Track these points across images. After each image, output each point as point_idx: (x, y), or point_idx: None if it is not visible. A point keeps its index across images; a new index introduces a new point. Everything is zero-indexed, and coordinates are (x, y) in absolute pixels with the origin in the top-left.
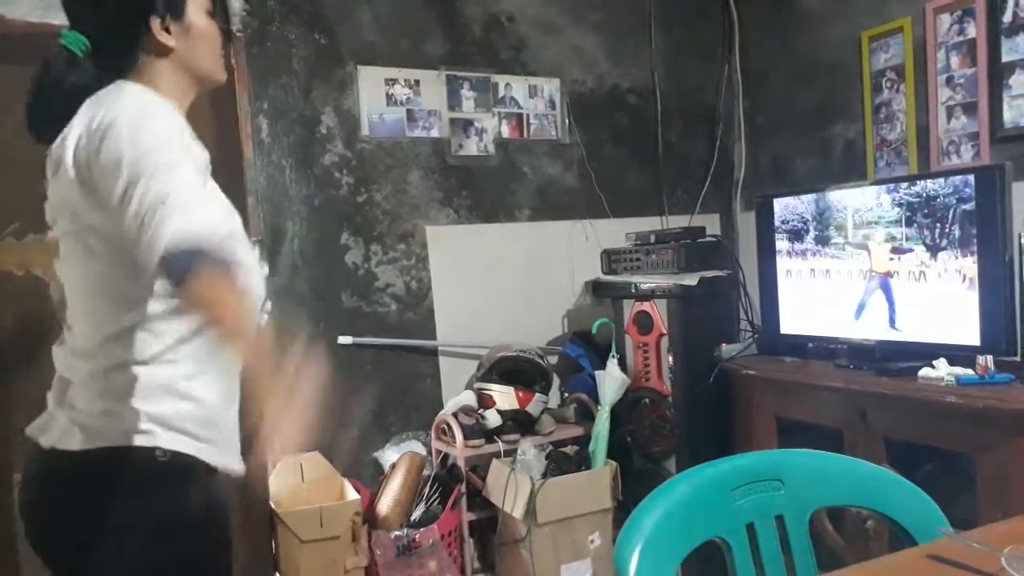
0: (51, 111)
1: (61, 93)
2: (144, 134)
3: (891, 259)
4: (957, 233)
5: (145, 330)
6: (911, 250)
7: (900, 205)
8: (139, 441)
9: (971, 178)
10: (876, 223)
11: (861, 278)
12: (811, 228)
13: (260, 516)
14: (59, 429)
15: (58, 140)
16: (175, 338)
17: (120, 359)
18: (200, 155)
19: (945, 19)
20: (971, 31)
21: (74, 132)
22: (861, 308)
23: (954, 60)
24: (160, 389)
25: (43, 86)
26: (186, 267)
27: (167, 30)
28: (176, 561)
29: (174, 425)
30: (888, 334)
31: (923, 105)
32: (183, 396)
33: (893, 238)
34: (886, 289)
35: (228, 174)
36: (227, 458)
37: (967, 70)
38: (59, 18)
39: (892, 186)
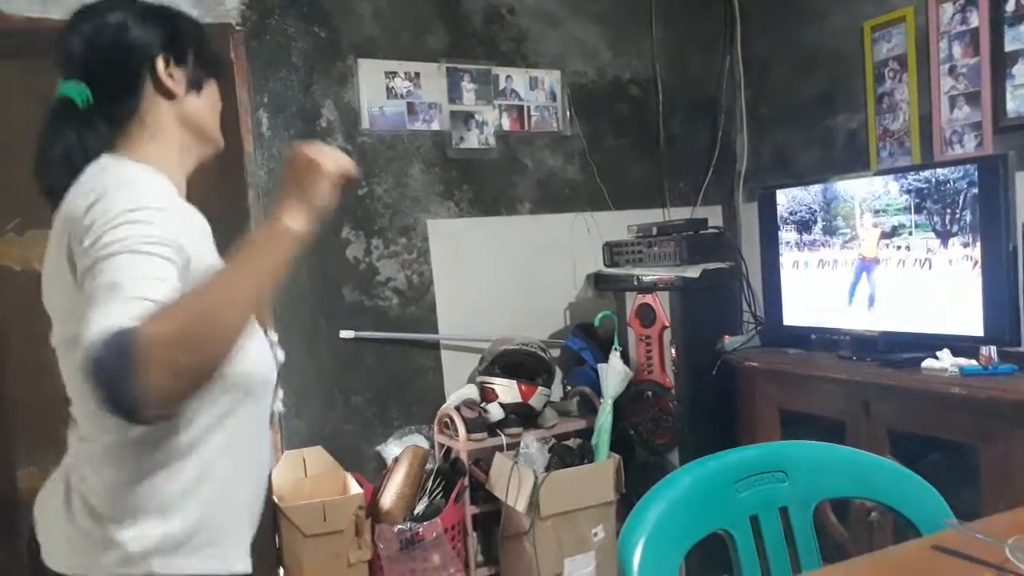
0: (55, 164)
1: (64, 140)
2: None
3: (882, 244)
4: (953, 224)
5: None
6: (900, 236)
7: (908, 192)
8: (132, 571)
9: (974, 168)
10: (884, 211)
11: (859, 265)
12: (817, 218)
13: (263, 511)
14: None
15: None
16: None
17: (95, 449)
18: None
19: (948, 8)
20: (974, 20)
21: (63, 217)
22: (852, 293)
23: (957, 49)
24: (149, 501)
25: (46, 137)
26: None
27: (171, 74)
28: None
29: (175, 545)
30: (891, 324)
31: (926, 95)
32: (181, 504)
33: (903, 225)
34: (868, 274)
35: (229, 169)
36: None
37: (970, 60)
38: (58, 12)
39: (900, 174)
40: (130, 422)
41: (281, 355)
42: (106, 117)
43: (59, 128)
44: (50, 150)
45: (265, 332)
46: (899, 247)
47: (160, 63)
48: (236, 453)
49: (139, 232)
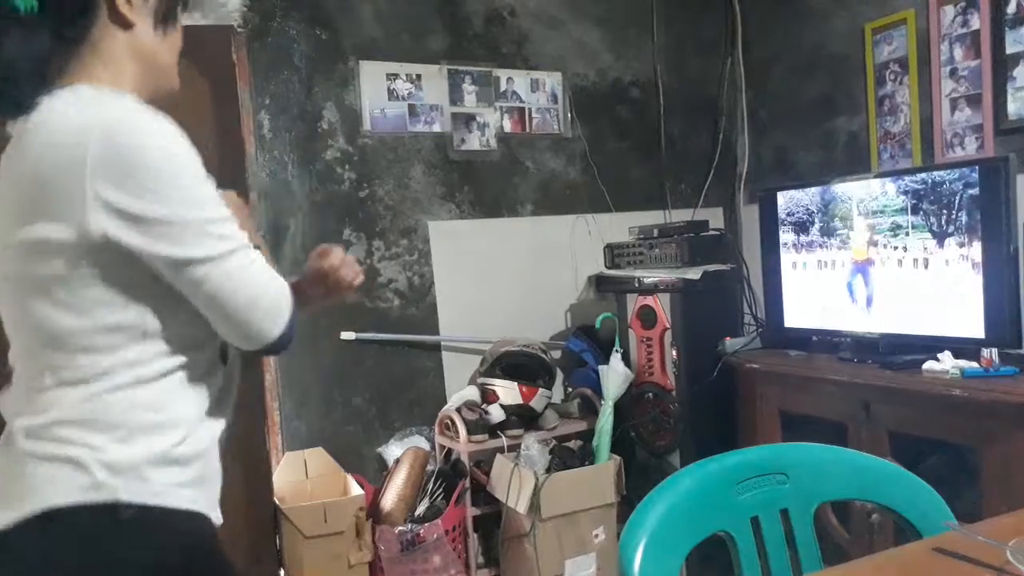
0: None
1: (2, 57)
2: (180, 180)
3: (871, 247)
4: (954, 226)
5: (90, 351)
6: (899, 237)
7: (906, 193)
8: (92, 496)
9: (975, 170)
10: (881, 212)
11: (854, 267)
12: (816, 220)
13: (264, 512)
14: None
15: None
16: (142, 356)
17: (58, 378)
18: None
19: (949, 11)
20: (975, 23)
21: (54, 142)
22: (851, 293)
23: (958, 52)
24: (114, 425)
25: None
26: (287, 341)
27: (129, 1)
28: None
29: (142, 471)
30: (892, 326)
31: (927, 97)
32: (154, 429)
33: (899, 226)
34: (865, 276)
35: (230, 170)
36: (212, 508)
37: (971, 62)
38: None
39: (893, 179)
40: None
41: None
42: (53, 34)
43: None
44: None
45: None
46: (896, 247)
47: None
48: (205, 393)
49: (228, 230)
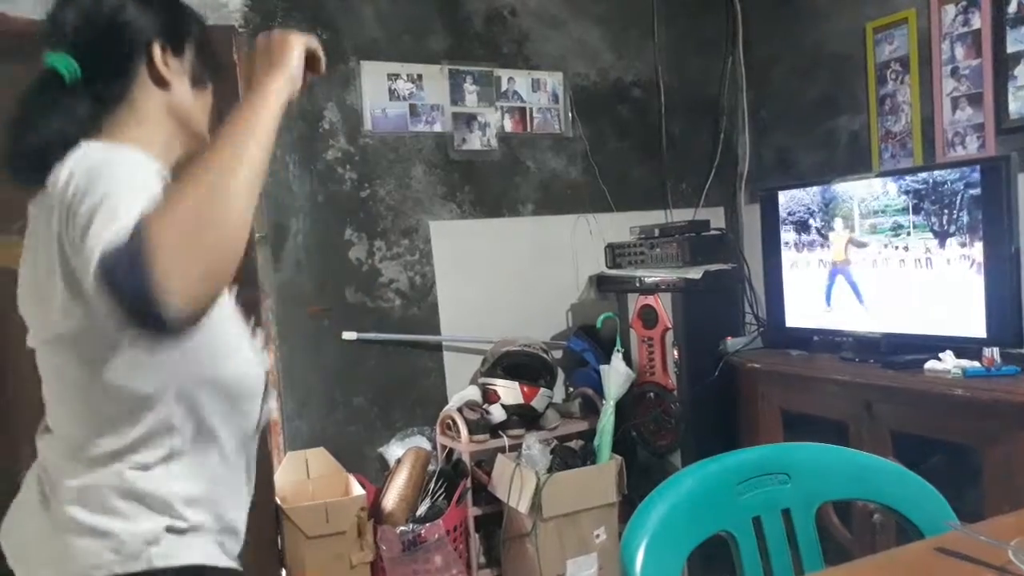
0: (34, 145)
1: (48, 124)
2: (104, 174)
3: (849, 249)
4: (955, 225)
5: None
6: (867, 244)
7: (907, 193)
8: (131, 567)
9: (977, 169)
10: (883, 212)
11: (871, 266)
12: (815, 221)
13: (266, 512)
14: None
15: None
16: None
17: (91, 451)
18: None
19: (950, 10)
20: (976, 22)
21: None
22: (828, 296)
23: (959, 51)
24: (147, 498)
25: (27, 113)
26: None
27: (166, 62)
28: None
29: (173, 537)
30: (894, 326)
31: (928, 97)
32: (179, 500)
33: (900, 226)
34: (847, 276)
35: None
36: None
37: (972, 61)
38: None
39: (895, 178)
40: (160, 331)
41: (267, 360)
42: (94, 97)
43: (44, 103)
44: (33, 129)
45: (251, 331)
46: (898, 247)
47: (156, 48)
48: (227, 457)
49: (124, 183)
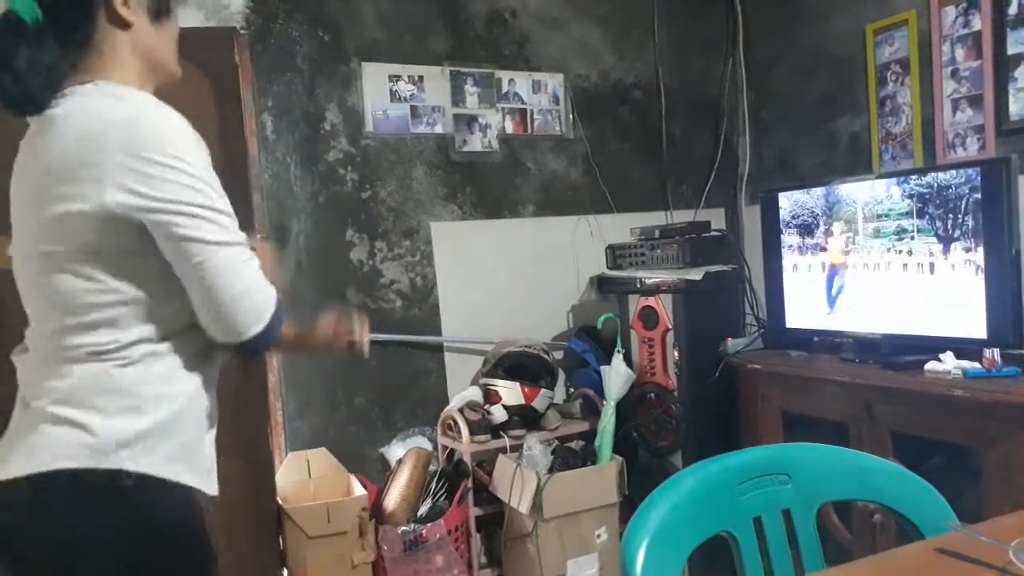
0: (10, 80)
1: (15, 67)
2: (188, 170)
3: (844, 252)
4: (956, 226)
5: (110, 325)
6: (902, 239)
7: (911, 196)
8: (102, 463)
9: (977, 171)
10: (886, 216)
11: (873, 270)
12: (816, 223)
13: (267, 512)
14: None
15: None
16: (144, 335)
17: (79, 350)
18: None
19: (950, 11)
20: (976, 23)
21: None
22: (829, 297)
23: (959, 53)
24: (127, 395)
25: None
26: (264, 343)
27: (127, 3)
28: None
29: (145, 443)
30: (894, 327)
31: (928, 98)
32: (154, 403)
33: (904, 230)
34: (841, 278)
35: (232, 172)
36: (204, 480)
37: (972, 63)
38: None
39: (902, 178)
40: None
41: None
42: (59, 41)
43: (8, 44)
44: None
45: None
46: (900, 249)
47: None
48: (204, 376)
49: (230, 224)
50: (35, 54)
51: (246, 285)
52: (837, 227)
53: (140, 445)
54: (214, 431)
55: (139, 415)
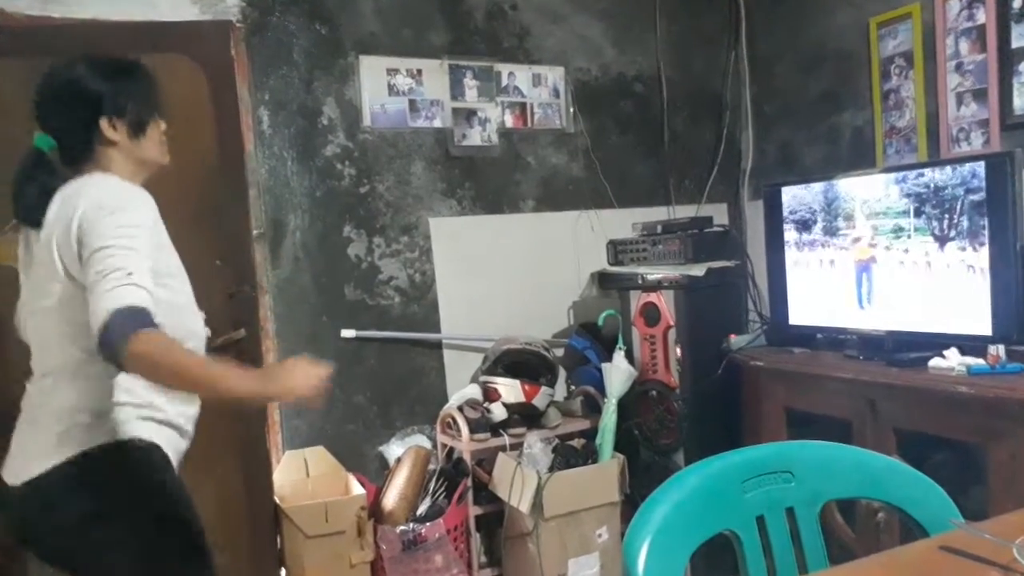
0: (28, 200)
1: (35, 184)
2: (107, 203)
3: (876, 244)
4: (960, 222)
5: None
6: (905, 234)
7: (908, 196)
8: (124, 434)
9: (981, 165)
10: (884, 214)
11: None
12: (819, 219)
13: (265, 511)
14: (26, 455)
15: (44, 231)
16: None
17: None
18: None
19: (954, 5)
20: (980, 17)
21: (52, 220)
22: (859, 293)
23: (963, 46)
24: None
25: (20, 179)
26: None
27: (113, 127)
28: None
29: (151, 416)
30: (898, 323)
31: (932, 92)
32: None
33: (901, 228)
34: (870, 273)
35: (229, 166)
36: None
37: (977, 56)
38: (58, 11)
39: (900, 177)
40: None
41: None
42: (68, 160)
43: (32, 172)
44: (25, 188)
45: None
46: (902, 243)
47: (104, 122)
48: None
49: (127, 231)
50: (51, 176)
51: (110, 303)
52: (861, 221)
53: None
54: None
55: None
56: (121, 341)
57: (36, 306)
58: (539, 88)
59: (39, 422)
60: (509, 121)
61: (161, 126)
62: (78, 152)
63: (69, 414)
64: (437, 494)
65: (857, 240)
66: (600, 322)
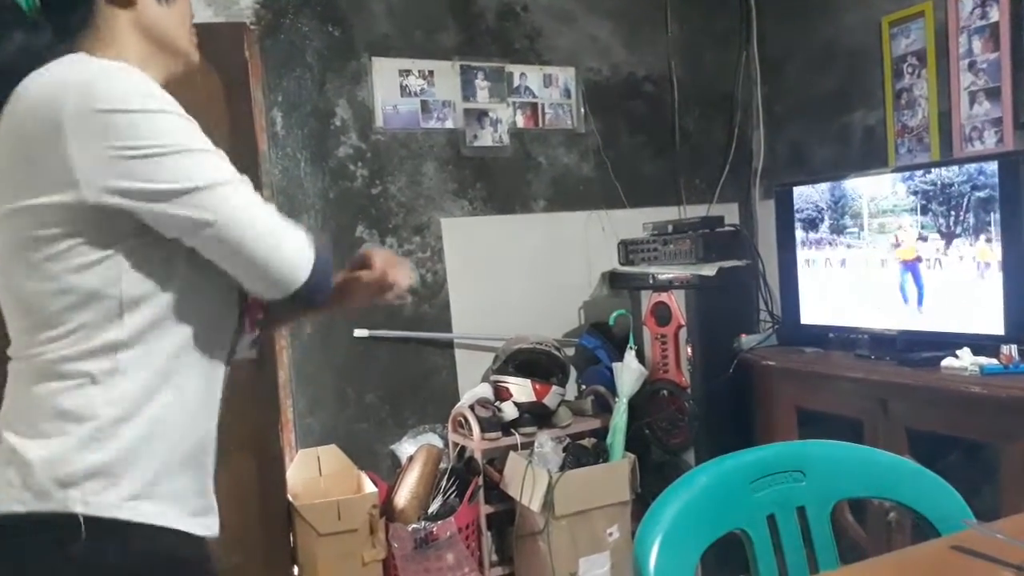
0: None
1: (8, 51)
2: (157, 122)
3: (888, 243)
4: (973, 221)
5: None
6: (919, 233)
7: (916, 193)
8: (52, 505)
9: (994, 164)
10: (892, 211)
11: (880, 266)
12: (832, 216)
13: (278, 509)
14: None
15: None
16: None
17: (36, 359)
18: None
19: (967, 3)
20: (994, 15)
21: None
22: (903, 293)
23: (976, 44)
24: (88, 419)
25: None
26: (319, 287)
27: None
28: None
29: (113, 480)
30: (910, 323)
31: (945, 91)
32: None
33: (913, 227)
34: (915, 274)
35: (243, 167)
36: (199, 518)
37: (990, 55)
38: None
39: (908, 175)
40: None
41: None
42: (55, 25)
43: (2, 32)
44: None
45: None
46: (915, 243)
47: None
48: (183, 394)
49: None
50: (31, 41)
51: (269, 226)
52: (873, 221)
53: (95, 481)
54: (207, 452)
55: (90, 448)
56: (326, 280)
57: None
58: (550, 88)
59: None
60: (520, 121)
61: (188, 4)
62: (71, 11)
63: None
64: (448, 493)
65: (869, 240)
66: (611, 322)
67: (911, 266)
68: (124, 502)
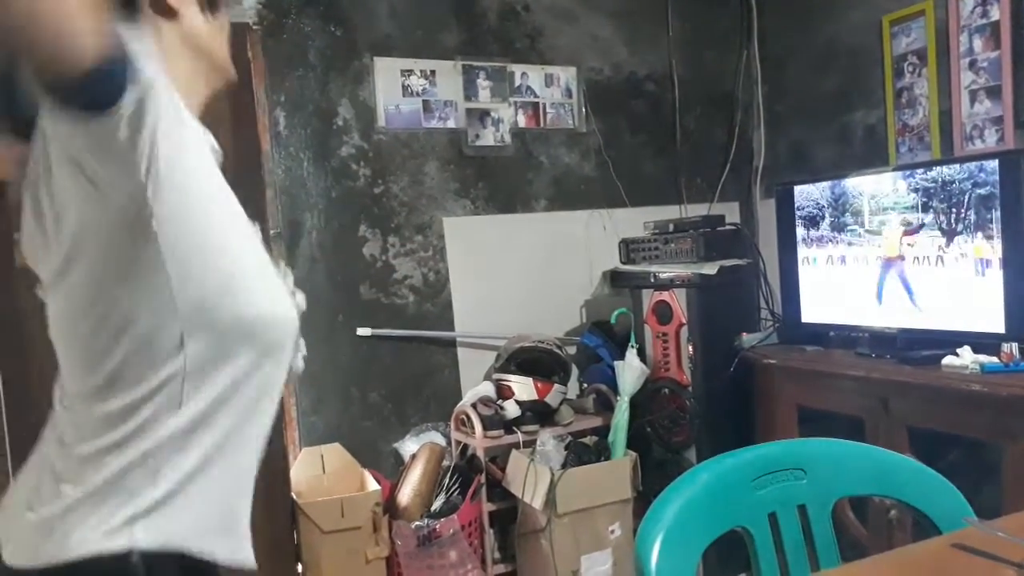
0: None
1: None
2: None
3: (905, 243)
4: (974, 219)
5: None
6: (921, 227)
7: (916, 191)
8: (108, 545)
9: (995, 163)
10: (892, 209)
11: (877, 264)
12: (833, 215)
13: (281, 507)
14: (21, 530)
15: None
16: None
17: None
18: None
19: (968, 1)
20: (995, 13)
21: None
22: (880, 293)
23: (977, 43)
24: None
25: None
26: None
27: None
28: None
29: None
30: (910, 321)
31: (946, 89)
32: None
33: (909, 223)
34: (883, 271)
35: (246, 167)
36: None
37: (991, 53)
38: None
39: (912, 174)
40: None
41: (302, 301)
42: None
43: None
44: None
45: (278, 267)
46: (916, 241)
47: None
48: (246, 416)
49: None
50: None
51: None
52: (873, 219)
53: (159, 514)
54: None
55: (155, 483)
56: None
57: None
58: (552, 88)
59: None
60: (522, 121)
61: (227, 22)
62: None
63: None
64: (451, 490)
65: (869, 239)
66: (612, 320)
67: (893, 263)
68: (192, 536)
